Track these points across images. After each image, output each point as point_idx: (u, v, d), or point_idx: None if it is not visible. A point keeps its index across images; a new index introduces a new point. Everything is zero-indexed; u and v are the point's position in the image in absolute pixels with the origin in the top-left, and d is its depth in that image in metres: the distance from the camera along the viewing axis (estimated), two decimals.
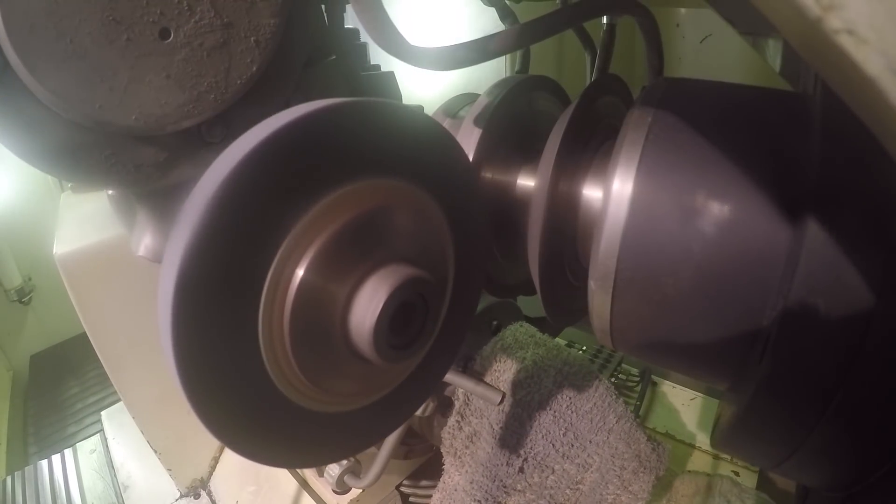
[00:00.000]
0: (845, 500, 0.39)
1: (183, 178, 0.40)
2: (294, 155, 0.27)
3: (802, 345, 0.33)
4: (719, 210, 0.35)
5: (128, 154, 0.37)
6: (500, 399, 0.57)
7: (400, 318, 0.31)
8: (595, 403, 0.64)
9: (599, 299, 0.42)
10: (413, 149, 0.33)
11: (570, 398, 0.64)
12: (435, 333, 0.38)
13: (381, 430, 0.40)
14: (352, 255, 0.30)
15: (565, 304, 0.56)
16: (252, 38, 0.36)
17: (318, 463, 0.34)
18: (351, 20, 0.47)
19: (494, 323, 0.75)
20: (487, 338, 0.71)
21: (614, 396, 0.65)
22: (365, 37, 0.50)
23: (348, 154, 0.29)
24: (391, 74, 0.58)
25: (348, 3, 0.46)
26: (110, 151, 0.37)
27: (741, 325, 0.36)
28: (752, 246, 0.34)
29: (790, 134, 0.36)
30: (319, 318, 0.30)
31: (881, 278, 0.30)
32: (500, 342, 0.69)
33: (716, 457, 0.96)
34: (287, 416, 0.31)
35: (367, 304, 0.30)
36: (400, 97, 0.61)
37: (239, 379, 0.28)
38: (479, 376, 0.65)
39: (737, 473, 0.90)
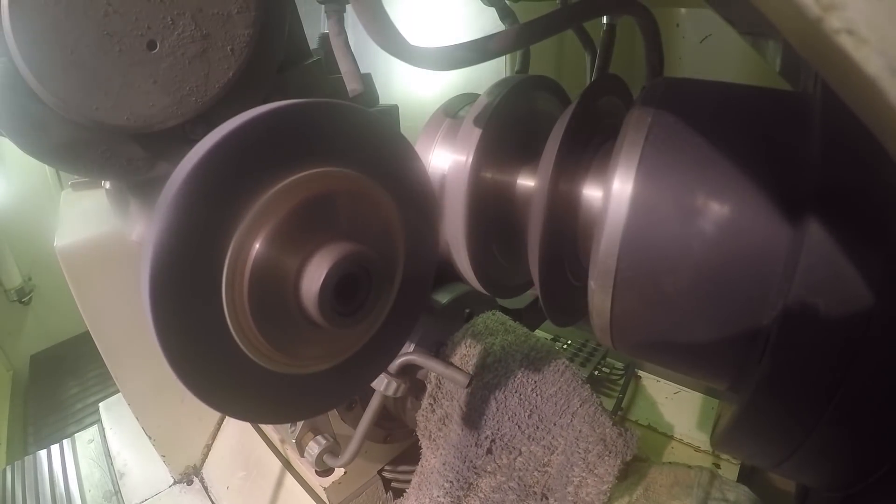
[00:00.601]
0: (845, 500, 0.39)
1: (169, 171, 0.44)
2: (249, 148, 0.31)
3: (802, 344, 0.33)
4: (719, 210, 0.35)
5: (121, 149, 0.43)
6: (467, 381, 0.60)
7: (345, 287, 0.36)
8: (560, 387, 0.65)
9: (599, 299, 0.42)
10: (359, 142, 0.38)
11: (535, 381, 0.65)
12: (387, 305, 0.42)
13: (343, 391, 0.45)
14: (302, 233, 0.35)
15: (565, 304, 0.56)
16: (228, 47, 0.41)
17: (287, 419, 0.41)
18: (351, 20, 0.47)
19: (467, 311, 0.77)
20: (460, 325, 0.73)
21: (580, 381, 0.66)
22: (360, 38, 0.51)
23: (300, 146, 0.34)
24: (367, 76, 0.60)
25: (348, 2, 0.46)
26: (105, 147, 0.42)
27: (741, 324, 0.36)
28: (752, 245, 0.34)
29: (790, 134, 0.36)
30: (275, 287, 0.35)
31: (881, 278, 0.30)
32: (472, 329, 0.71)
33: (697, 449, 0.97)
34: (253, 377, 0.36)
35: (314, 274, 0.35)
36: (376, 96, 0.63)
37: (209, 343, 0.33)
38: (448, 360, 0.68)
39: (718, 466, 0.91)
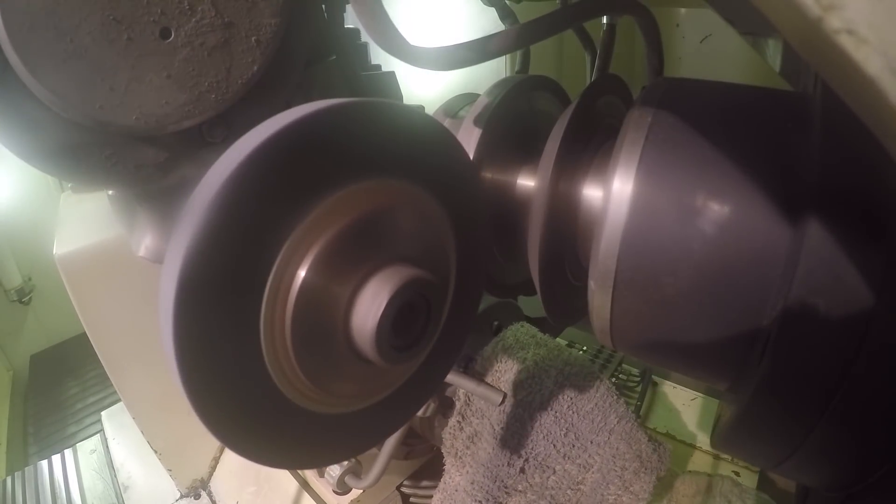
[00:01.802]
0: (845, 500, 0.39)
1: (184, 179, 0.40)
2: (295, 156, 0.26)
3: (802, 345, 0.33)
4: (719, 210, 0.35)
5: (128, 154, 0.37)
6: (501, 399, 0.57)
7: (402, 318, 0.31)
8: (596, 404, 0.64)
9: (599, 299, 0.42)
10: (414, 149, 0.33)
11: (571, 398, 0.64)
12: (437, 334, 0.37)
13: (382, 431, 0.39)
14: (354, 256, 0.30)
15: (565, 304, 0.56)
16: (253, 38, 0.36)
17: (320, 464, 0.34)
18: (351, 20, 0.47)
19: (495, 323, 0.75)
20: (488, 338, 0.71)
21: (615, 397, 0.65)
22: (365, 37, 0.50)
23: (350, 154, 0.29)
24: (392, 74, 0.59)
25: (348, 2, 0.46)
26: (111, 151, 0.37)
27: (741, 324, 0.36)
28: (752, 245, 0.34)
29: (790, 134, 0.36)
30: (321, 320, 0.30)
31: (881, 278, 0.30)
32: (501, 343, 0.69)
33: (716, 457, 0.96)
34: (288, 418, 0.31)
35: (370, 305, 0.30)
36: (401, 97, 0.61)
37: (240, 380, 0.28)
38: (480, 377, 0.65)
39: (737, 473, 0.91)
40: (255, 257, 0.27)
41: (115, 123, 0.34)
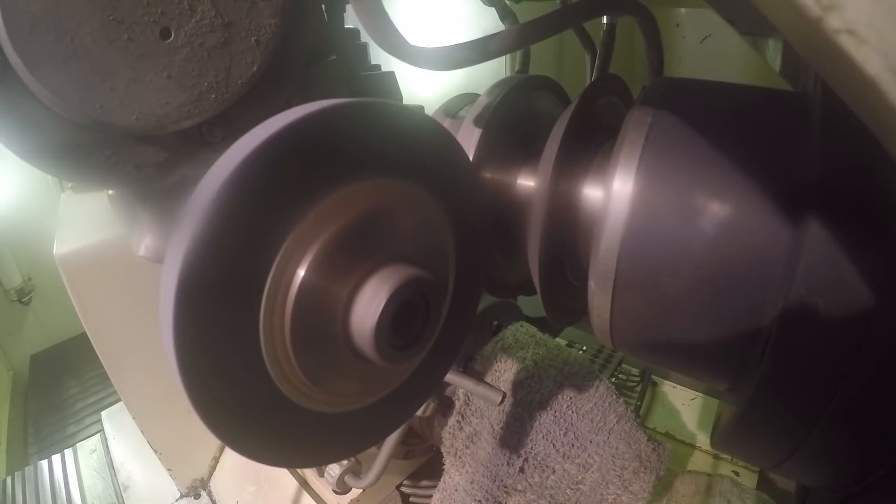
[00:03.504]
0: (845, 500, 0.39)
1: (184, 179, 0.40)
2: (295, 156, 0.27)
3: (802, 344, 0.33)
4: (719, 210, 0.35)
5: (128, 154, 0.37)
6: (500, 399, 0.57)
7: (401, 318, 0.31)
8: (595, 403, 0.64)
9: (599, 299, 0.42)
10: (414, 149, 0.33)
11: (570, 398, 0.64)
12: (436, 334, 0.38)
13: (382, 430, 0.40)
14: (353, 256, 0.31)
15: (565, 304, 0.56)
16: (253, 38, 0.36)
17: (319, 463, 0.34)
18: (351, 20, 0.47)
19: (495, 323, 0.75)
20: (488, 338, 0.71)
21: (615, 397, 0.65)
22: (365, 37, 0.50)
23: (349, 154, 0.30)
24: (391, 74, 0.59)
25: (348, 2, 0.46)
26: (111, 151, 0.37)
27: (741, 324, 0.36)
28: (752, 245, 0.34)
29: (790, 134, 0.36)
30: (321, 319, 0.30)
31: (881, 278, 0.30)
32: (501, 342, 0.70)
33: (716, 457, 0.97)
34: (288, 416, 0.31)
35: (369, 304, 0.30)
36: (400, 97, 0.61)
37: (240, 379, 0.28)
38: (479, 376, 0.66)
39: (737, 473, 0.91)
40: (255, 257, 0.27)
41: (116, 123, 0.34)
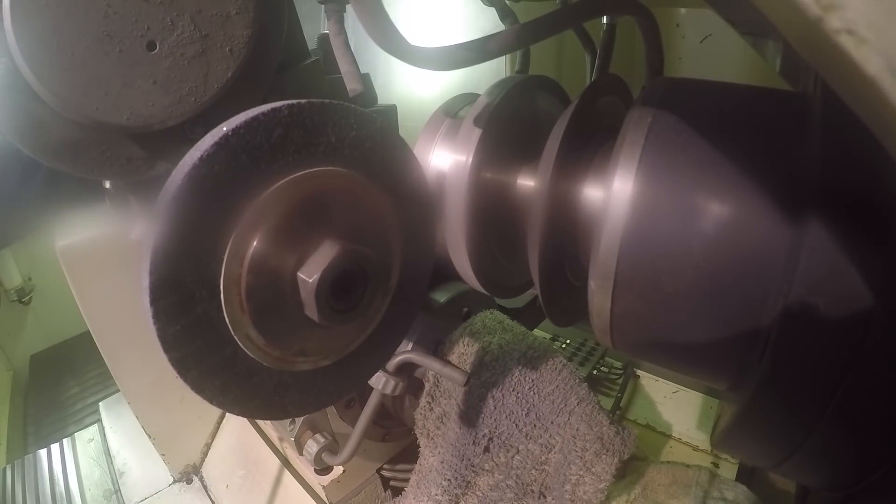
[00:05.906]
0: (845, 500, 0.39)
1: (168, 170, 0.44)
2: (247, 148, 0.32)
3: (802, 344, 0.33)
4: (719, 209, 0.35)
5: (120, 149, 0.44)
6: (465, 380, 0.60)
7: (342, 285, 0.37)
8: (557, 386, 0.65)
9: (599, 299, 0.42)
10: (356, 142, 0.38)
11: (533, 380, 0.66)
12: (384, 304, 0.44)
13: (341, 388, 0.45)
14: (300, 231, 0.36)
15: (565, 304, 0.56)
16: (227, 48, 0.42)
17: (288, 415, 0.41)
18: (351, 20, 0.47)
19: (465, 310, 0.77)
20: (458, 323, 0.73)
21: (577, 380, 0.66)
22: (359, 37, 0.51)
23: (297, 146, 0.35)
24: (366, 76, 0.60)
25: (349, 2, 0.46)
26: (105, 147, 0.43)
27: (741, 324, 0.36)
28: (752, 245, 0.34)
29: (790, 134, 0.36)
30: (272, 285, 0.36)
31: (881, 278, 0.30)
32: (470, 327, 0.71)
33: (695, 448, 0.97)
34: (254, 374, 0.37)
35: (310, 271, 0.36)
36: (375, 97, 0.63)
37: (209, 338, 0.33)
38: (446, 359, 0.68)
39: (716, 465, 0.91)
40: (214, 234, 0.32)
41: (109, 123, 0.39)
